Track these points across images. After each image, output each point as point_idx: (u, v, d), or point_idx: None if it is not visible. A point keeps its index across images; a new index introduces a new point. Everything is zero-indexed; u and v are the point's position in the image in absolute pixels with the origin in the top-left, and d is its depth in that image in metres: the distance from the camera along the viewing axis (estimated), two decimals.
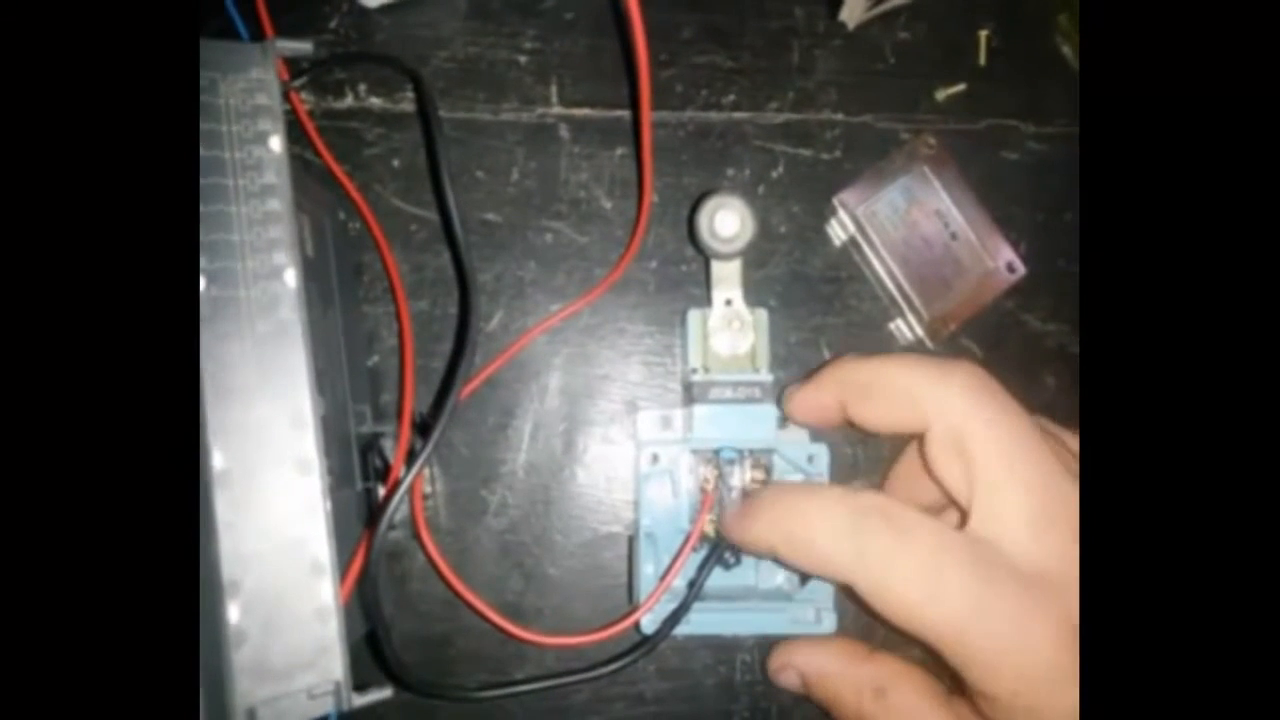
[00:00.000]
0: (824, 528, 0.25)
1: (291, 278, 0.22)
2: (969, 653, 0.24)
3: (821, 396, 0.29)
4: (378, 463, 0.30)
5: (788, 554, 0.26)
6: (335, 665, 0.20)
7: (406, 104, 0.34)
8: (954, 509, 0.27)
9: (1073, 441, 0.29)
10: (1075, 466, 0.26)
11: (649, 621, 0.30)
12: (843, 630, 0.30)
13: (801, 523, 0.26)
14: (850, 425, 0.29)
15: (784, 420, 0.31)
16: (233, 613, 0.20)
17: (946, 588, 0.24)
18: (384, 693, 0.22)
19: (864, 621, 0.33)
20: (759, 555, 0.29)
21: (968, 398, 0.25)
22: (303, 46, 0.24)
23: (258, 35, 0.32)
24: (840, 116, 0.35)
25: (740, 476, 0.31)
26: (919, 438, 0.27)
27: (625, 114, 0.34)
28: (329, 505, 0.21)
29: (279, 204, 0.22)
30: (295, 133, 0.33)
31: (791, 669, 0.30)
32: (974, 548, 0.24)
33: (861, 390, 0.28)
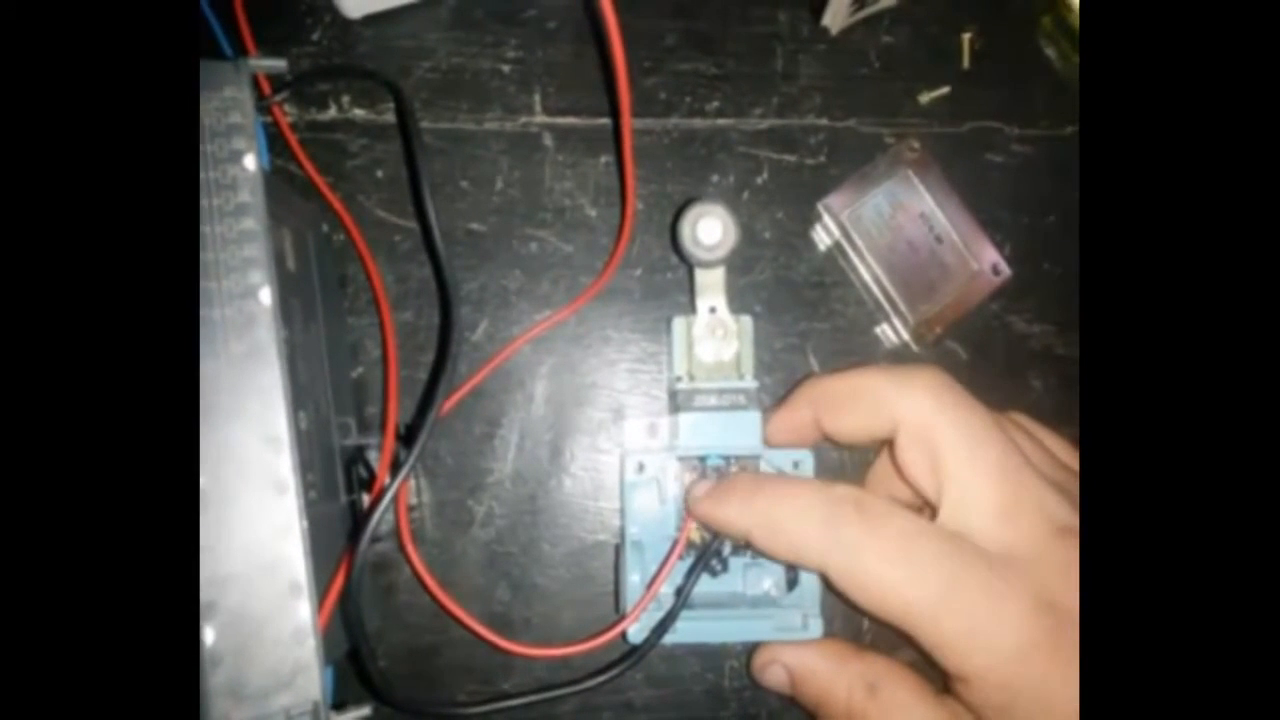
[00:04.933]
0: (798, 515, 0.26)
1: (267, 296, 0.22)
2: (941, 633, 0.24)
3: (796, 416, 0.29)
4: (363, 475, 0.30)
5: (762, 538, 0.27)
6: (313, 685, 0.20)
7: (389, 115, 0.34)
8: (927, 511, 0.27)
9: (1049, 439, 0.29)
10: (1039, 459, 0.27)
11: (636, 631, 0.30)
12: (829, 635, 0.30)
13: (777, 509, 0.27)
14: (827, 441, 0.29)
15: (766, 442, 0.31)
16: (208, 635, 0.20)
17: (918, 570, 0.24)
18: (363, 711, 0.22)
19: (852, 628, 0.33)
20: (730, 537, 0.30)
21: (931, 397, 0.26)
22: (278, 64, 0.24)
23: (240, 49, 0.32)
24: (824, 121, 0.35)
25: None
26: (890, 443, 0.28)
27: (609, 122, 0.34)
28: (306, 525, 0.21)
29: (254, 223, 0.22)
30: (278, 145, 0.33)
31: (778, 665, 0.30)
32: (943, 533, 0.25)
33: (832, 404, 0.28)
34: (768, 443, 0.31)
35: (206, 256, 0.21)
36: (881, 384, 0.27)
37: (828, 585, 0.26)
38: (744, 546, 0.29)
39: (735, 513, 0.28)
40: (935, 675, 0.29)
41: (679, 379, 0.31)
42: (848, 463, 0.34)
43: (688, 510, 0.30)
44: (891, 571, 0.25)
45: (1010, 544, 0.24)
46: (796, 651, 0.30)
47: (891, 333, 0.34)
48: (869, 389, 0.28)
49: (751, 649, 0.32)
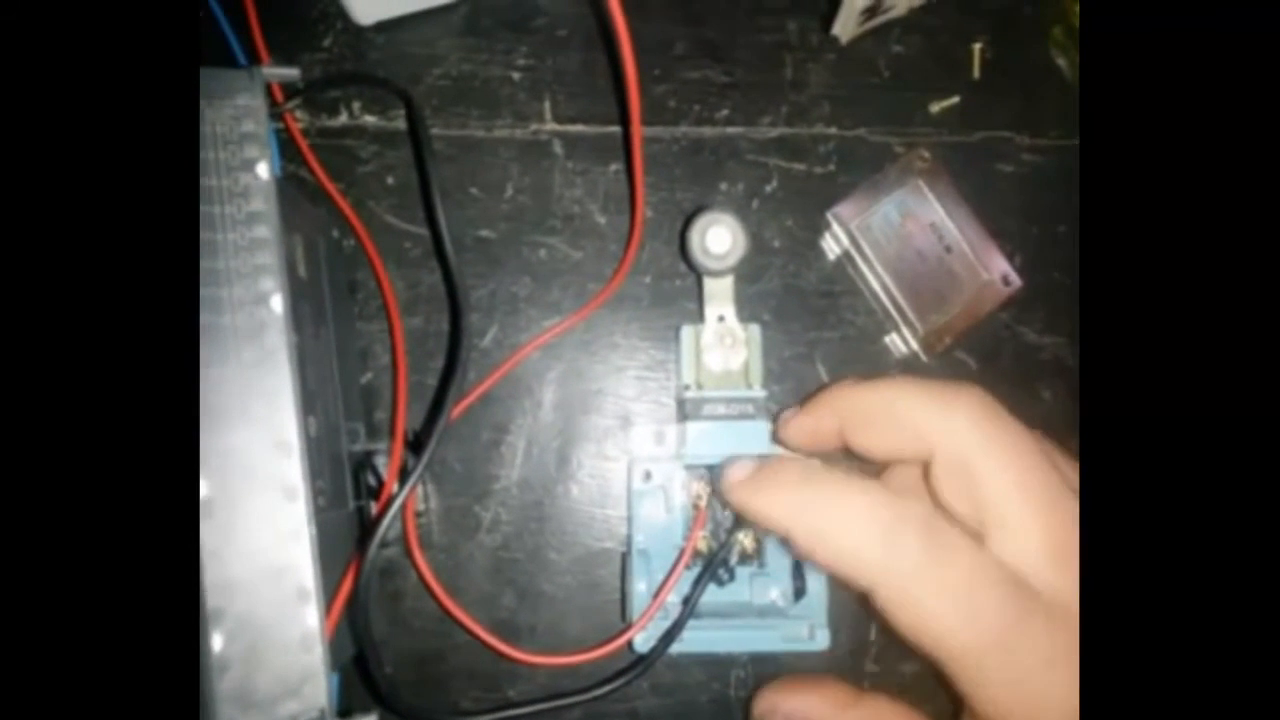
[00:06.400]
0: (854, 526, 0.24)
1: (278, 303, 0.22)
2: (987, 683, 0.23)
3: (819, 424, 0.28)
4: (371, 481, 0.30)
5: (805, 541, 0.24)
6: (320, 693, 0.20)
7: (400, 121, 0.34)
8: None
9: (1071, 458, 0.28)
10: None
11: (642, 639, 0.30)
12: (836, 647, 0.30)
13: (829, 513, 0.24)
14: (847, 453, 0.28)
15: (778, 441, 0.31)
16: (216, 641, 0.20)
17: (978, 615, 0.23)
18: (369, 717, 0.22)
19: (857, 638, 0.33)
20: (765, 531, 0.27)
21: (974, 428, 0.24)
22: (290, 72, 0.24)
23: (253, 56, 0.32)
24: (834, 130, 0.35)
25: None
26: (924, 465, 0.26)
27: (618, 130, 0.34)
28: (314, 532, 0.21)
29: (266, 230, 0.22)
30: (289, 151, 0.33)
31: (778, 716, 0.29)
32: (1006, 574, 0.23)
33: (861, 419, 0.27)
34: (782, 443, 0.30)
35: (218, 264, 0.21)
36: (918, 405, 0.25)
37: (866, 604, 0.25)
38: (782, 544, 0.27)
39: (779, 507, 0.25)
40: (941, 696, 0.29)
41: (687, 387, 0.31)
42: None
43: (722, 493, 0.27)
44: (949, 612, 0.23)
45: (1064, 589, 0.23)
46: (795, 700, 0.29)
47: (901, 342, 0.34)
48: (904, 409, 0.25)
49: (759, 658, 0.32)
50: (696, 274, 0.32)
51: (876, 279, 0.33)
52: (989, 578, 0.23)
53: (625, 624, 0.30)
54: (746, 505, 0.26)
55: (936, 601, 0.23)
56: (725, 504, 0.28)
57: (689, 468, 0.31)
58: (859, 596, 0.25)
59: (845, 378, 0.33)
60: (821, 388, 0.30)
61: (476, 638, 0.29)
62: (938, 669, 0.24)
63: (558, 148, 0.34)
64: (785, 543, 0.26)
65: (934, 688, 0.28)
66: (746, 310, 0.33)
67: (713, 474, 0.31)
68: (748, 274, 0.34)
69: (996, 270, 0.33)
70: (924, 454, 0.25)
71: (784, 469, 0.26)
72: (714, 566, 0.30)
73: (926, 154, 0.34)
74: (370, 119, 0.34)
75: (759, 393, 0.31)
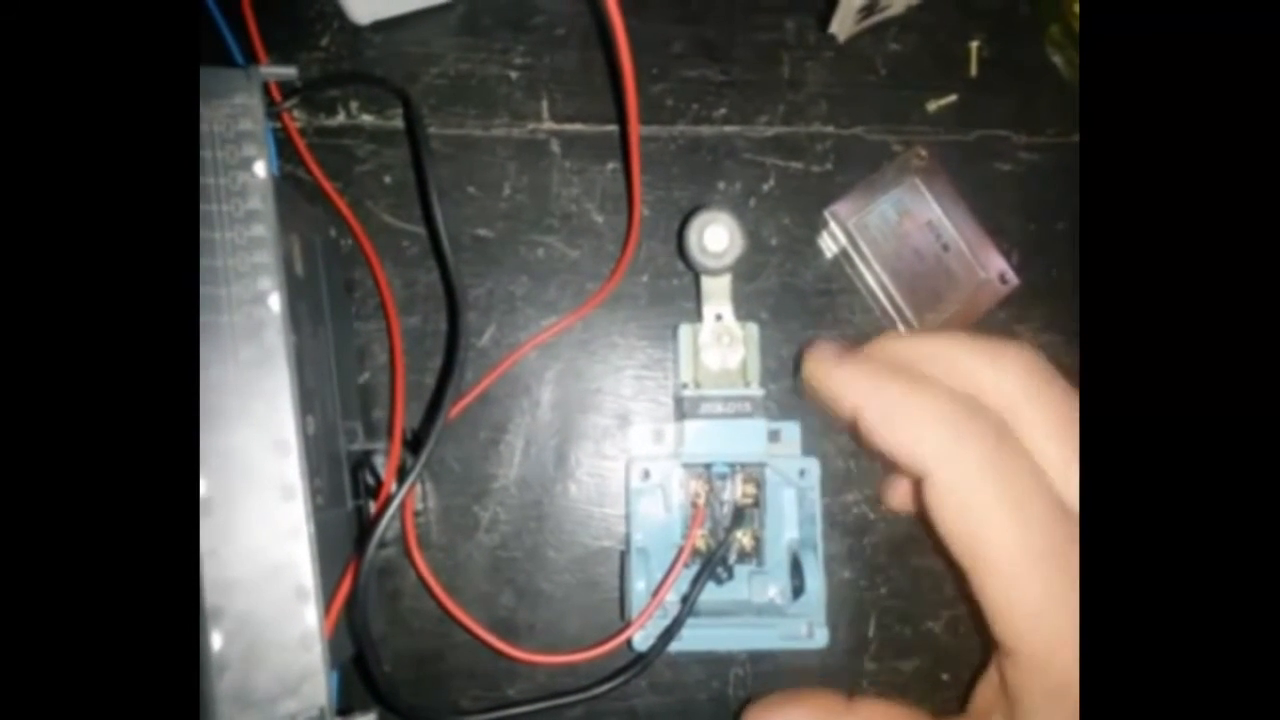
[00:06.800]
0: (930, 414, 0.24)
1: (276, 302, 0.22)
2: (1014, 601, 0.23)
3: (868, 372, 0.27)
4: (369, 480, 0.30)
5: (873, 420, 0.25)
6: (319, 691, 0.20)
7: (397, 120, 0.34)
8: None
9: None
10: None
11: (641, 638, 0.30)
12: (835, 645, 0.30)
13: (909, 397, 0.25)
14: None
15: (801, 392, 0.30)
16: (215, 640, 0.20)
17: (1030, 524, 0.23)
18: (368, 716, 0.22)
19: (857, 637, 0.33)
20: (832, 408, 0.27)
21: (1020, 376, 0.25)
22: (288, 71, 0.24)
23: (250, 56, 0.32)
24: (831, 129, 0.35)
25: (731, 491, 0.32)
26: None
27: (616, 129, 0.34)
28: (313, 530, 0.21)
29: (264, 229, 0.22)
30: (287, 150, 0.33)
31: None
32: (1061, 503, 0.24)
33: (923, 360, 0.26)
34: (817, 388, 0.28)
35: (216, 263, 0.21)
36: (968, 354, 0.26)
37: (917, 494, 0.25)
38: (843, 427, 0.27)
39: (858, 385, 0.26)
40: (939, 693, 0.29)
41: (685, 386, 0.31)
42: (854, 472, 0.33)
43: (803, 369, 0.28)
44: (1001, 518, 0.23)
45: None
46: (785, 715, 0.29)
47: None
48: (954, 356, 0.26)
49: (757, 656, 0.32)
50: (694, 273, 0.32)
51: (874, 277, 0.33)
52: (1046, 495, 0.24)
53: (624, 622, 0.30)
54: (824, 379, 0.27)
55: (988, 508, 0.23)
56: (803, 383, 0.29)
57: (687, 466, 0.31)
58: (916, 489, 0.25)
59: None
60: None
61: (475, 636, 0.29)
62: (968, 582, 0.24)
63: (555, 147, 0.34)
64: (851, 423, 0.26)
65: (933, 684, 0.28)
66: (744, 309, 0.33)
67: (711, 472, 0.31)
68: (745, 272, 0.34)
69: (994, 268, 0.33)
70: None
71: (868, 357, 0.27)
72: (713, 565, 0.30)
73: (924, 152, 0.34)
74: (368, 118, 0.34)
75: (757, 391, 0.31)
